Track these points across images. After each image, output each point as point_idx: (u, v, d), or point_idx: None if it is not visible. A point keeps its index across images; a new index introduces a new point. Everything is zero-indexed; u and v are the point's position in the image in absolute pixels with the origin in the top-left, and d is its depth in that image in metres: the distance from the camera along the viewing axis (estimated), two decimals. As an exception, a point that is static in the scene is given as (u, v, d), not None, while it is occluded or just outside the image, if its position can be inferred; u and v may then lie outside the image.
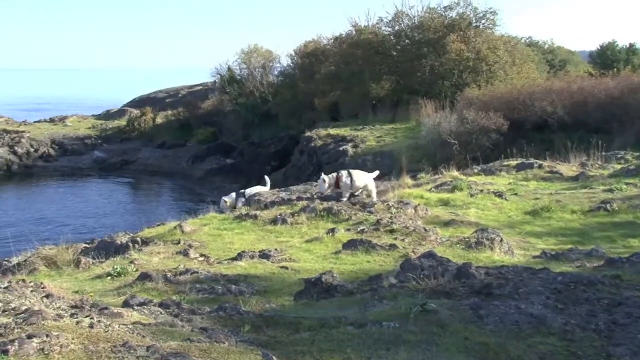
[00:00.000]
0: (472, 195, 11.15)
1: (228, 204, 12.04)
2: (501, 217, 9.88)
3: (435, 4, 45.41)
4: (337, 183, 10.61)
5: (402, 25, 30.97)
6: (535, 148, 17.18)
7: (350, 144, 23.59)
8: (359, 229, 8.72)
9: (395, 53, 30.51)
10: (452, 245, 7.56)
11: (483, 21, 29.71)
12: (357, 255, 7.32)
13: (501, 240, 7.50)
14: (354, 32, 32.53)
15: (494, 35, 29.38)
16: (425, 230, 8.41)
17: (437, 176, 14.05)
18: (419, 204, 10.17)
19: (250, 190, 12.45)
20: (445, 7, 30.02)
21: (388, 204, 10.12)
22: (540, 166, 14.03)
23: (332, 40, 35.06)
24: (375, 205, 10.05)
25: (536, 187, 12.35)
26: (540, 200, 10.57)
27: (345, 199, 10.43)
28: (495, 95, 22.04)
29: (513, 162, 14.85)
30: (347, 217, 9.55)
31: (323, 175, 10.80)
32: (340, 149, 23.35)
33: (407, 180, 13.44)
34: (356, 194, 10.72)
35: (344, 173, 10.66)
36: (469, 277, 4.82)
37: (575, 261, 6.40)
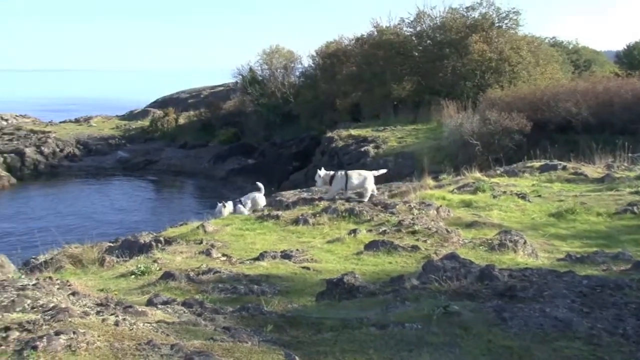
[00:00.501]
0: (494, 197, 11.04)
1: (226, 209, 11.92)
2: (524, 219, 9.76)
3: (458, 4, 45.13)
4: (330, 181, 10.69)
5: (424, 25, 30.82)
6: (559, 149, 16.95)
7: (371, 145, 23.53)
8: (380, 230, 8.69)
9: (417, 54, 30.37)
10: (475, 247, 7.49)
11: (506, 21, 29.44)
12: (379, 256, 7.29)
13: (525, 242, 7.41)
14: (375, 33, 32.45)
15: (517, 35, 29.08)
16: (448, 231, 8.34)
17: (459, 177, 13.94)
18: (441, 205, 10.10)
19: (246, 197, 12.42)
20: (467, 8, 29.84)
21: (410, 205, 10.08)
22: (564, 168, 13.84)
23: (354, 41, 35.04)
24: (397, 207, 10.02)
25: (560, 188, 12.18)
26: (564, 202, 10.42)
27: (334, 195, 10.66)
28: (518, 96, 21.80)
29: (536, 164, 14.67)
30: (368, 218, 9.53)
31: (320, 171, 10.88)
32: (362, 149, 23.31)
33: (429, 181, 13.36)
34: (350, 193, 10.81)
35: (339, 173, 10.72)
36: (492, 279, 4.77)
37: (601, 264, 6.29)
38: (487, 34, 27.84)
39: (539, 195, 11.41)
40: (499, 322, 3.76)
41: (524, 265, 5.98)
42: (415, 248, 7.49)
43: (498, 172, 14.44)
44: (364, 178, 10.78)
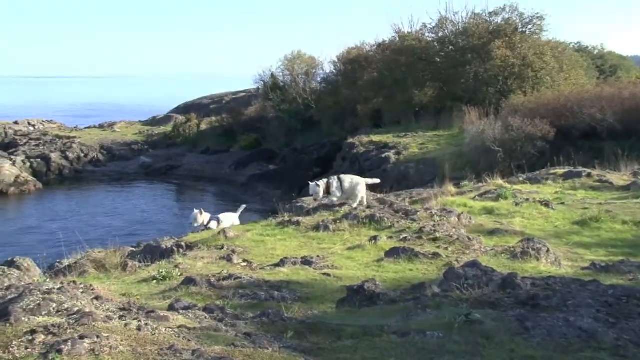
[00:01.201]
0: (517, 204, 10.93)
1: (199, 219, 11.76)
2: (547, 226, 9.64)
3: (480, 9, 44.85)
4: (327, 189, 10.74)
5: (446, 31, 30.67)
6: (584, 156, 16.72)
7: (392, 151, 23.46)
8: (401, 237, 8.66)
9: (438, 59, 30.22)
10: (497, 255, 7.43)
11: (530, 27, 29.13)
12: (400, 264, 7.26)
13: (548, 250, 7.32)
14: (397, 39, 32.38)
15: (541, 40, 28.76)
16: (469, 239, 8.28)
17: (480, 184, 13.83)
18: (462, 212, 10.03)
19: (223, 216, 12.29)
20: (490, 13, 29.60)
21: (431, 212, 10.04)
22: (589, 175, 13.65)
23: (375, 47, 35.00)
24: (419, 213, 9.98)
25: (584, 196, 12.01)
26: (589, 210, 10.27)
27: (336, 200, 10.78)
28: (542, 102, 21.57)
29: (560, 171, 14.49)
30: (389, 224, 9.51)
31: (315, 182, 10.97)
32: (383, 155, 23.25)
33: (450, 188, 13.28)
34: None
35: (334, 179, 10.86)
36: (515, 287, 4.72)
37: (627, 274, 6.18)
38: (510, 39, 27.59)
39: (563, 203, 11.27)
40: (522, 332, 3.72)
41: (547, 274, 5.90)
42: (436, 255, 7.44)
43: (520, 179, 14.30)
44: (356, 184, 10.98)
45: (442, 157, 20.87)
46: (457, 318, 3.87)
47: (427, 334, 3.73)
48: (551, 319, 3.87)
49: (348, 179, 10.98)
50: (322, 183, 10.82)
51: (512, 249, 7.49)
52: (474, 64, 28.00)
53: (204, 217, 11.73)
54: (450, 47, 30.31)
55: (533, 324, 3.78)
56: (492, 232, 9.08)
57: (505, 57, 26.62)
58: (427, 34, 31.59)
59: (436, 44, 31.00)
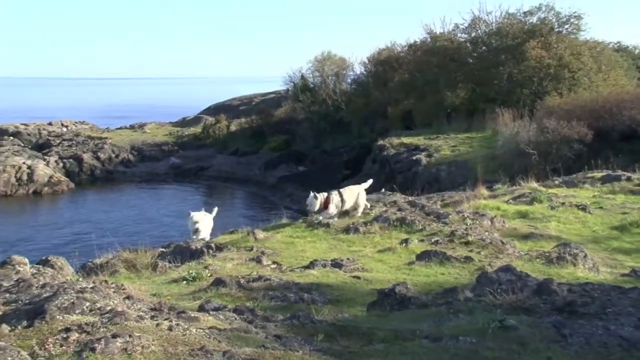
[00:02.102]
0: (552, 208, 10.75)
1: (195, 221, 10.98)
2: (585, 231, 9.45)
3: (515, 9, 44.25)
4: (325, 203, 10.55)
5: (479, 31, 30.36)
6: (623, 159, 16.34)
7: (423, 153, 23.32)
8: (433, 240, 8.60)
9: (471, 60, 29.94)
10: (532, 260, 7.31)
11: (566, 26, 28.63)
12: (431, 267, 7.20)
13: (585, 255, 7.17)
14: (428, 39, 32.18)
15: (578, 40, 28.25)
16: (503, 243, 8.17)
17: (514, 187, 13.64)
18: (495, 216, 9.91)
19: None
20: (525, 13, 29.20)
21: (463, 215, 9.95)
22: (628, 179, 13.33)
23: (407, 48, 34.84)
24: (450, 216, 9.90)
25: (624, 200, 11.73)
26: (629, 215, 10.03)
27: (334, 217, 10.49)
28: (579, 104, 21.16)
29: (598, 174, 14.20)
30: (420, 227, 9.45)
31: (314, 193, 10.75)
32: (414, 158, 23.12)
33: (483, 191, 13.12)
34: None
35: (334, 194, 10.67)
36: (551, 293, 4.64)
37: (669, 281, 6.02)
38: (546, 39, 27.15)
39: (601, 207, 11.03)
40: (559, 339, 3.64)
41: (584, 280, 5.78)
42: (468, 259, 7.37)
43: (556, 182, 14.05)
44: (357, 193, 10.93)
45: (474, 159, 20.65)
46: (490, 323, 3.81)
47: (460, 339, 3.68)
48: (589, 327, 3.79)
49: (347, 191, 10.85)
50: (320, 196, 10.63)
51: (548, 254, 7.36)
52: (508, 64, 27.64)
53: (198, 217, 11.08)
54: (483, 48, 30.00)
55: (570, 331, 3.70)
56: (526, 236, 8.94)
57: (540, 58, 26.20)
58: (459, 35, 31.33)
59: (469, 45, 30.71)
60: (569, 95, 24.04)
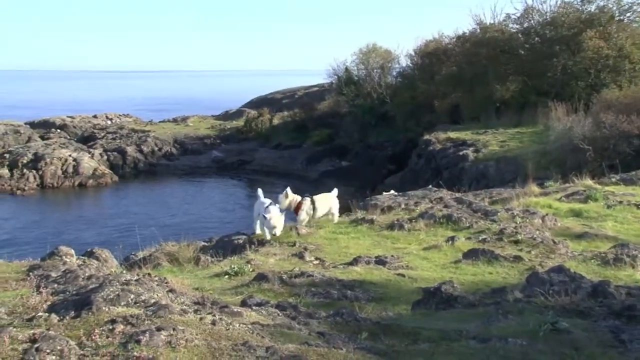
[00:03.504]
0: (609, 207, 10.43)
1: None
2: (644, 232, 9.14)
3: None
4: (296, 208, 10.01)
5: (532, 21, 29.66)
6: (686, 156, 15.75)
7: (471, 149, 22.98)
8: (480, 238, 8.49)
9: (523, 52, 29.30)
10: (586, 261, 7.13)
11: (628, 14, 27.62)
12: (479, 266, 7.12)
13: (645, 257, 6.94)
14: (478, 30, 31.65)
15: (641, 29, 27.23)
16: (554, 242, 8.00)
17: (567, 185, 13.31)
18: (547, 214, 9.70)
19: None
20: (582, 1, 28.28)
21: (512, 213, 9.78)
22: (692, 176, 12.84)
23: (455, 39, 34.34)
24: (499, 214, 9.75)
25: (686, 199, 11.29)
26: (691, 215, 9.66)
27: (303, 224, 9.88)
28: (640, 97, 20.47)
29: (660, 172, 13.70)
30: (467, 225, 9.35)
31: (285, 191, 10.20)
32: (460, 153, 22.81)
33: (534, 188, 12.84)
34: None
35: (307, 200, 10.09)
36: (607, 296, 4.51)
37: None
38: (605, 28, 26.29)
39: (661, 207, 10.64)
40: (616, 345, 3.54)
41: (643, 283, 5.61)
42: (517, 259, 7.25)
43: (613, 179, 13.63)
44: (330, 201, 10.42)
45: (524, 155, 20.23)
46: (542, 326, 3.74)
47: (509, 341, 3.63)
48: (649, 332, 3.68)
49: (321, 199, 10.30)
50: (292, 196, 10.11)
51: (604, 255, 7.16)
52: (562, 56, 26.92)
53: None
54: (536, 39, 29.29)
55: (630, 337, 3.59)
56: (580, 236, 8.71)
57: (598, 48, 25.41)
58: (510, 25, 30.71)
59: (520, 36, 30.06)
60: (629, 87, 23.26)
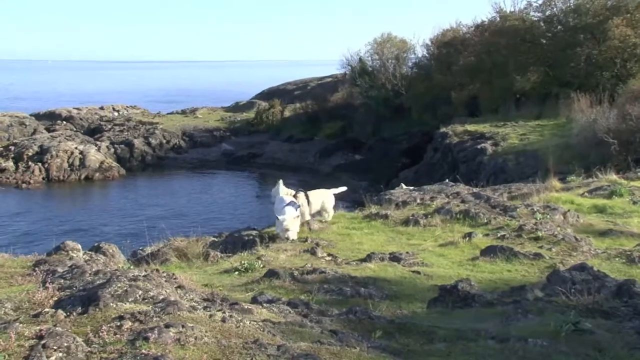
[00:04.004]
0: (635, 203, 10.36)
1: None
2: (672, 229, 9.06)
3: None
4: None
5: (555, 9, 29.36)
6: None
7: (489, 142, 22.83)
8: (499, 235, 8.48)
9: (544, 41, 29.03)
10: (610, 259, 7.09)
11: (660, 0, 27.21)
12: (497, 263, 7.12)
13: (672, 256, 6.89)
14: (498, 19, 31.40)
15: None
16: (577, 239, 7.96)
17: (590, 179, 13.21)
18: (568, 210, 9.65)
19: None
20: (608, -13, 27.96)
21: (532, 209, 9.74)
22: None
23: (473, 28, 34.11)
24: (518, 210, 9.71)
25: None
26: None
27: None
28: (669, 88, 20.21)
29: (688, 166, 13.57)
30: (485, 221, 9.34)
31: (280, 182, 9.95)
32: (478, 147, 22.68)
33: (555, 183, 12.77)
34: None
35: (301, 195, 9.83)
36: (633, 296, 4.48)
37: None
38: (633, 16, 25.95)
39: (691, 203, 10.54)
40: (641, 346, 3.52)
41: (670, 283, 5.56)
42: (538, 256, 7.24)
43: (639, 174, 13.51)
44: (324, 197, 10.18)
45: (545, 149, 20.06)
46: (563, 326, 3.72)
47: (529, 341, 3.61)
48: (677, 334, 3.65)
49: (315, 194, 10.12)
50: (284, 190, 9.85)
51: (629, 253, 7.11)
52: (587, 45, 26.62)
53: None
54: (559, 27, 29.01)
55: (655, 338, 3.57)
56: (603, 233, 8.66)
57: (625, 37, 25.10)
58: (532, 13, 30.40)
59: (542, 24, 29.77)
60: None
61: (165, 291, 4.09)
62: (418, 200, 11.30)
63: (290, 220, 8.79)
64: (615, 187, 11.32)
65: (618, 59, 25.63)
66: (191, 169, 36.20)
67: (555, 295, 4.83)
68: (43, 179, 31.85)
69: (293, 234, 8.79)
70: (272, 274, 6.46)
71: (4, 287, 4.77)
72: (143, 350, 3.01)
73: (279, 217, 8.82)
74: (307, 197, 9.91)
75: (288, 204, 9.12)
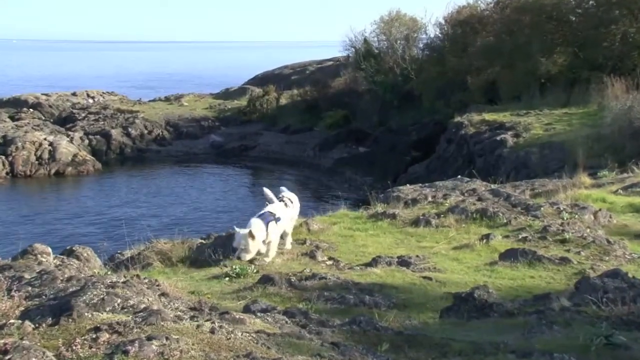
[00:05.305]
0: (674, 201, 10.40)
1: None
2: None
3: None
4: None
5: (585, -18, 29.37)
6: None
7: (510, 133, 22.86)
8: (520, 237, 8.52)
9: (574, 18, 29.03)
10: (646, 264, 7.12)
11: None
12: (518, 269, 7.14)
13: None
14: (520, -6, 31.41)
15: None
16: (609, 242, 7.99)
17: (625, 175, 13.27)
18: (599, 209, 9.68)
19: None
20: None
21: (558, 208, 9.77)
22: None
23: (492, 5, 34.08)
24: (542, 209, 9.75)
25: None
26: None
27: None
28: None
29: None
30: (505, 221, 9.37)
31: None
32: (498, 138, 22.71)
33: (584, 178, 12.82)
34: None
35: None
36: (671, 305, 4.50)
37: None
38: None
39: None
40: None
41: None
42: (564, 260, 7.26)
43: (680, 169, 13.58)
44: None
45: (573, 140, 20.10)
46: (594, 339, 3.74)
47: (555, 356, 3.63)
48: None
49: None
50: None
51: (667, 258, 7.14)
52: (623, 22, 26.57)
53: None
54: (591, 2, 28.98)
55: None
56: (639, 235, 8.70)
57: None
58: (559, -13, 30.40)
59: (571, -1, 29.79)
60: None
61: (147, 299, 4.10)
62: (429, 198, 11.32)
63: (252, 240, 7.70)
64: (653, 183, 11.38)
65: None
66: (176, 163, 36.22)
67: (584, 305, 4.86)
68: (7, 174, 31.70)
69: (248, 257, 7.80)
70: (266, 279, 6.48)
71: (-36, 296, 4.78)
72: (122, 365, 3.02)
73: (238, 231, 7.87)
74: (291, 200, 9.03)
75: (261, 214, 8.16)
